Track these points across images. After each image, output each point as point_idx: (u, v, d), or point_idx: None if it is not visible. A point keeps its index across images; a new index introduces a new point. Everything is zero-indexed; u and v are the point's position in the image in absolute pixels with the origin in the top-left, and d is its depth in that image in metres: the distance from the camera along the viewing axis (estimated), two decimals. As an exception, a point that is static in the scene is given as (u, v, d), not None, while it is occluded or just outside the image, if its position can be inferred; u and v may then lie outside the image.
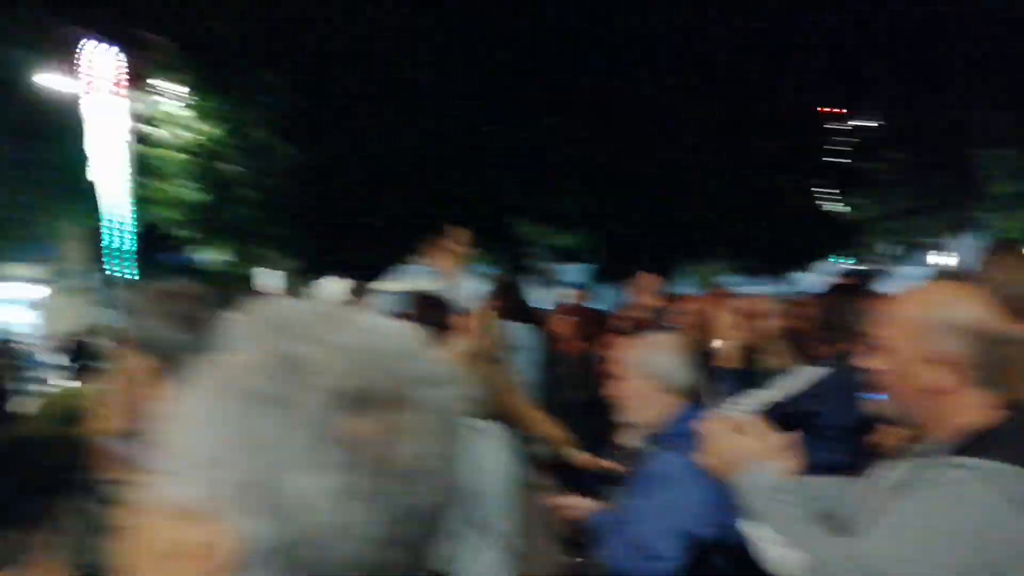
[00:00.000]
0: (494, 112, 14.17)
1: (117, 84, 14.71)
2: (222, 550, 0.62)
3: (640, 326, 4.96)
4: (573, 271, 20.81)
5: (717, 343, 3.74)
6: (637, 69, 16.22)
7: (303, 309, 0.69)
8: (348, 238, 13.81)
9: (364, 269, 14.32)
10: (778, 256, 20.67)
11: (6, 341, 15.60)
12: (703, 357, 2.78)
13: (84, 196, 15.78)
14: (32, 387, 15.08)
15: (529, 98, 14.66)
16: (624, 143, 15.85)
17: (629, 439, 3.27)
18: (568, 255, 20.85)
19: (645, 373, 2.59)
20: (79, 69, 14.42)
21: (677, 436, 2.50)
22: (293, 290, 15.45)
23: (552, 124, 15.09)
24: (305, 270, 15.36)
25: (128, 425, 1.55)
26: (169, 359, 1.52)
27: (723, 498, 2.31)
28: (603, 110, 15.65)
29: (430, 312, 3.47)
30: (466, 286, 4.22)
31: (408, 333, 0.69)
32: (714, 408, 2.67)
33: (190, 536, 0.62)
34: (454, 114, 13.65)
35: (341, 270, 15.12)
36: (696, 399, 2.68)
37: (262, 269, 14.96)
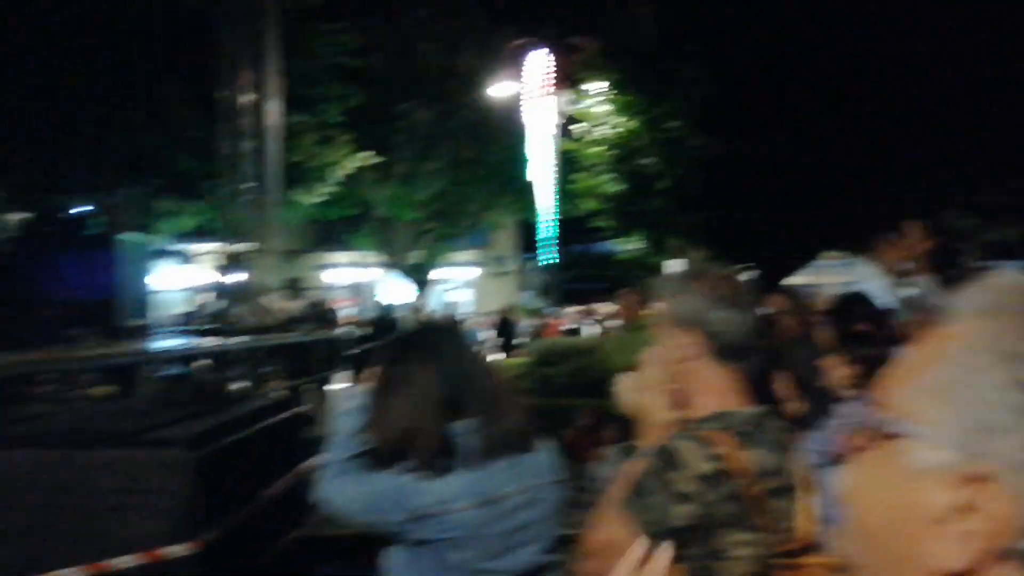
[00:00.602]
0: (915, 95, 13.01)
1: (547, 85, 16.03)
2: (999, 515, 0.61)
3: None
4: (1011, 269, 18.46)
5: None
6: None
7: None
8: (756, 230, 13.64)
9: (774, 262, 14.10)
10: None
11: (452, 318, 17.81)
12: None
13: (517, 189, 17.45)
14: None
15: (954, 81, 13.22)
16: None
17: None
18: (1005, 251, 18.50)
19: None
20: (520, 74, 15.96)
21: None
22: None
23: (983, 105, 13.46)
24: (714, 260, 15.46)
25: (674, 400, 1.71)
26: (715, 337, 1.70)
27: None
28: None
29: (854, 316, 3.29)
30: (911, 289, 3.91)
31: None
32: None
33: (958, 501, 0.62)
34: (872, 100, 12.77)
35: (749, 262, 14.99)
36: None
37: (673, 259, 15.36)
